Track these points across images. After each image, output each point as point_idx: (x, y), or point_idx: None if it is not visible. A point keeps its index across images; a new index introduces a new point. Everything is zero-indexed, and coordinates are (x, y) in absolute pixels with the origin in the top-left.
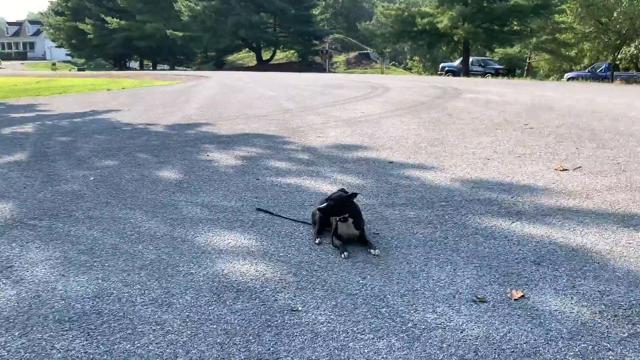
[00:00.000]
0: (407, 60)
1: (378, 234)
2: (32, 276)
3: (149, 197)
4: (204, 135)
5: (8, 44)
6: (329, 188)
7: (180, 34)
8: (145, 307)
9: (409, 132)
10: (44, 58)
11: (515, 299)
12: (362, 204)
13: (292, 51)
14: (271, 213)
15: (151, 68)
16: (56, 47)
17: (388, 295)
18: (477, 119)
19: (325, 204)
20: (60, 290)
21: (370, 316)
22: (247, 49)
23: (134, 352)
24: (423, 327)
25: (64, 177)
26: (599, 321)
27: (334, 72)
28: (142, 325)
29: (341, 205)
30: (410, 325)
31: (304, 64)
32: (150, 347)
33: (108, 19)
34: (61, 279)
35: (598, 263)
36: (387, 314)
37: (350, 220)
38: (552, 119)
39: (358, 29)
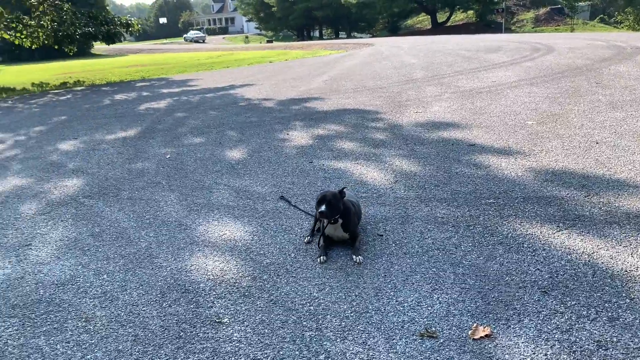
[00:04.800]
0: (617, 14)
1: (382, 235)
2: (36, 257)
3: (198, 178)
4: (303, 111)
5: (213, 20)
6: (373, 175)
7: (354, 1)
8: (92, 300)
9: (525, 106)
10: (241, 32)
11: (475, 338)
12: (398, 197)
13: (470, 11)
14: (289, 203)
15: (333, 36)
16: (246, 21)
17: (328, 316)
18: (628, 88)
19: (324, 209)
20: (42, 274)
21: (287, 340)
22: (423, 13)
23: (42, 348)
24: None
25: (146, 154)
26: None
27: (517, 32)
28: (71, 321)
29: (336, 207)
30: (321, 357)
31: (482, 24)
32: (58, 346)
33: None
34: (54, 261)
35: (631, 299)
36: (307, 340)
37: (340, 221)
38: None
39: None
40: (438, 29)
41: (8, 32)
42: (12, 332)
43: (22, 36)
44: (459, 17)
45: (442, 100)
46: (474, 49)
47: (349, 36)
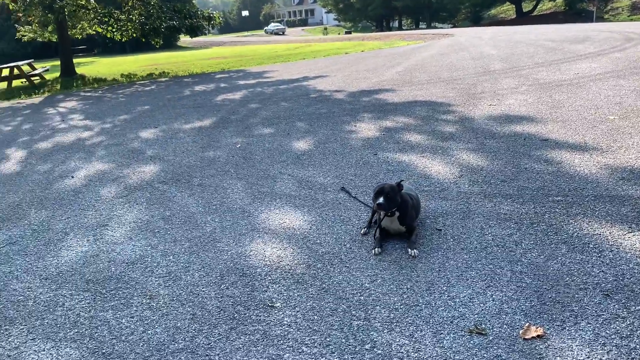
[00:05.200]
0: None
1: (440, 230)
2: (111, 237)
3: (264, 167)
4: (373, 103)
5: (293, 12)
6: (438, 169)
7: None
8: (157, 279)
9: (608, 100)
10: (321, 23)
11: (526, 338)
12: (461, 191)
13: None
14: (350, 194)
15: (413, 27)
16: (326, 12)
17: (377, 307)
18: None
19: (382, 201)
20: (115, 253)
21: (335, 328)
22: (507, 2)
23: (109, 321)
24: (379, 352)
25: (219, 143)
26: None
27: (610, 21)
28: (137, 298)
29: (394, 200)
30: (367, 346)
31: (572, 13)
32: (123, 320)
33: None
34: (126, 242)
35: None
36: (354, 329)
37: (397, 214)
38: None
39: None
40: (523, 18)
41: (101, 26)
42: (84, 305)
43: (113, 29)
44: (546, 5)
45: (518, 92)
46: (558, 39)
47: (429, 26)
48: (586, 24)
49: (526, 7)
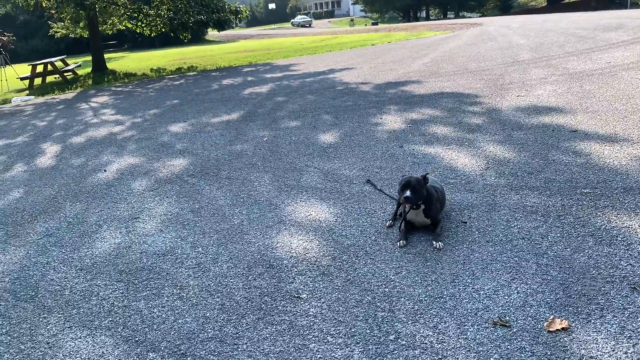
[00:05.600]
0: None
1: (466, 222)
2: (142, 229)
3: (290, 160)
4: (399, 95)
5: (319, 4)
6: (464, 161)
7: None
8: (187, 270)
9: None
10: (347, 15)
11: (550, 331)
12: (487, 184)
13: None
14: (375, 187)
15: (441, 17)
16: (352, 4)
17: (401, 299)
18: None
19: (409, 194)
20: (147, 244)
21: (360, 319)
22: None
23: (142, 311)
24: (403, 342)
25: (246, 137)
26: None
27: None
28: (167, 289)
29: (420, 193)
30: (391, 337)
31: (605, 0)
32: (154, 310)
33: None
34: (157, 234)
35: None
36: (379, 320)
37: (422, 206)
38: None
39: None
40: (554, 6)
41: (131, 22)
42: (118, 295)
43: (143, 25)
44: None
45: (547, 83)
46: (590, 27)
47: (457, 16)
48: (620, 10)
49: None
